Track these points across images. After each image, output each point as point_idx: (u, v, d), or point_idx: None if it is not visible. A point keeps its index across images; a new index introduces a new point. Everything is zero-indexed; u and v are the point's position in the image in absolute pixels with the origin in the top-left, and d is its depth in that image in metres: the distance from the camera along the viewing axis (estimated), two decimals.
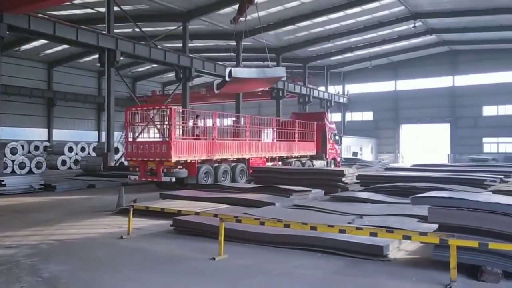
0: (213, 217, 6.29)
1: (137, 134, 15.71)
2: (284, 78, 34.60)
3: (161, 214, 9.06)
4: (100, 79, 42.12)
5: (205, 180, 15.77)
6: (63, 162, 29.53)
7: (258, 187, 12.72)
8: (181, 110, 16.88)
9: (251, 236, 6.64)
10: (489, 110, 39.89)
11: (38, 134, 37.96)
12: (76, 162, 29.47)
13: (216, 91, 23.54)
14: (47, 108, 39.39)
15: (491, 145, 39.96)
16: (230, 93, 28.93)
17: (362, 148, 42.87)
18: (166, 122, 15.02)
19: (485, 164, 27.13)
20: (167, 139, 14.64)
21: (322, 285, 4.82)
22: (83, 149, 31.04)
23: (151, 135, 16.36)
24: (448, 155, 40.49)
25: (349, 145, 40.69)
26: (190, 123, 16.66)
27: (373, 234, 4.98)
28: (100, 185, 17.05)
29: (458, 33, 34.60)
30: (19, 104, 36.29)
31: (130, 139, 15.63)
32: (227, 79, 22.20)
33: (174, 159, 14.49)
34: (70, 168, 29.25)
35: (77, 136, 37.90)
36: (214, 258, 5.75)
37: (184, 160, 15.11)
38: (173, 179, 14.72)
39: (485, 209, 4.90)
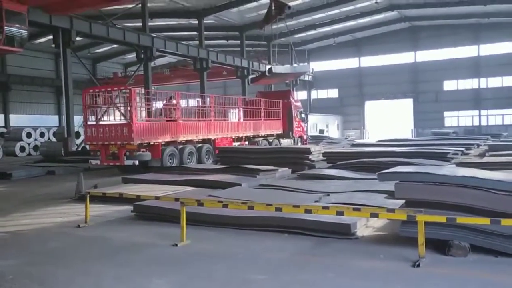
0: (174, 201, 5.98)
1: (96, 117, 15.06)
2: (309, 72, 37.20)
3: (123, 199, 8.70)
4: (57, 61, 40.29)
5: (170, 163, 15.36)
6: (22, 149, 28.32)
7: (224, 167, 12.48)
8: (142, 91, 16.32)
9: (215, 219, 6.40)
10: (449, 85, 40.88)
11: None
12: (36, 148, 28.32)
13: (250, 84, 28.68)
14: (2, 93, 37.51)
15: (451, 119, 41.11)
16: (260, 84, 31.26)
17: (329, 125, 43.20)
18: (125, 104, 14.42)
19: (447, 137, 27.83)
20: (128, 122, 14.09)
21: (287, 267, 4.64)
22: (42, 135, 29.86)
23: (112, 117, 15.73)
24: (412, 129, 41.40)
25: (316, 123, 40.89)
26: (156, 105, 16.14)
27: (340, 213, 4.83)
28: (60, 171, 16.35)
29: (418, 8, 34.98)
30: None
31: (90, 123, 14.98)
32: (267, 74, 27.38)
33: (136, 142, 13.99)
34: (29, 154, 28.10)
35: (37, 121, 36.35)
36: (176, 245, 5.48)
37: (147, 143, 14.63)
38: (136, 163, 14.23)
39: (452, 183, 4.82)
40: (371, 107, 45.43)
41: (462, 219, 4.41)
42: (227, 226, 6.33)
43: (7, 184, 13.35)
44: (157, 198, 6.34)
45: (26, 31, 15.43)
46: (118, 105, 14.74)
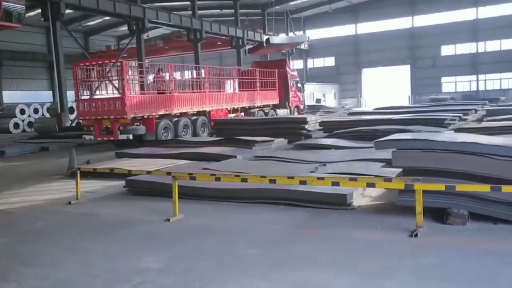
0: (166, 175, 5.82)
1: (90, 91, 14.77)
2: (305, 46, 36.67)
3: (116, 174, 8.56)
4: (48, 35, 39.32)
5: (164, 136, 15.17)
6: (16, 125, 28.02)
7: (219, 140, 12.31)
8: (135, 64, 15.99)
9: (208, 192, 6.25)
10: (447, 50, 40.36)
11: None
12: (30, 124, 27.98)
13: (247, 54, 28.51)
14: None
15: (449, 85, 40.77)
16: (258, 54, 31.34)
17: (325, 95, 42.87)
18: (118, 77, 14.11)
19: (444, 103, 27.65)
20: (121, 95, 13.82)
21: (282, 240, 4.52)
22: (36, 111, 29.51)
23: (105, 92, 15.44)
24: (409, 96, 41.11)
25: (312, 92, 40.56)
26: (150, 77, 15.84)
27: (335, 184, 4.67)
28: (54, 148, 16.17)
29: None
30: None
31: (82, 97, 14.69)
32: (264, 45, 27.75)
33: (129, 115, 13.75)
34: (24, 131, 27.82)
35: (31, 97, 35.79)
36: (168, 220, 5.34)
37: (141, 116, 14.39)
38: (130, 137, 14.04)
39: (451, 149, 4.65)
40: (368, 74, 44.98)
41: (462, 187, 4.26)
42: (221, 200, 6.20)
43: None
44: (148, 172, 6.18)
45: (23, 6, 15.28)
46: (110, 78, 14.42)
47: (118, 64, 14.04)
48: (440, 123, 13.90)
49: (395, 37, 41.32)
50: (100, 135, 14.43)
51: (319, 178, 4.82)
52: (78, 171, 6.71)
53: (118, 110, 13.74)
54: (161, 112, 15.14)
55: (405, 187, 4.30)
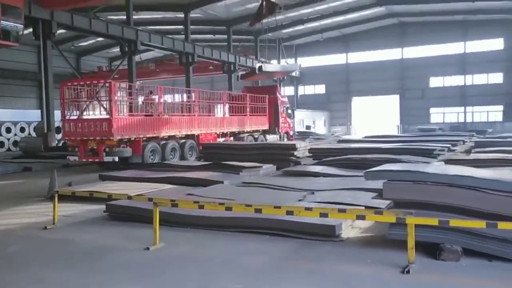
0: (147, 201, 5.57)
1: (78, 111, 14.53)
2: (296, 74, 37.16)
3: (98, 198, 8.27)
4: (40, 54, 39.25)
5: (151, 159, 14.89)
6: (1, 144, 27.54)
7: (206, 164, 12.08)
8: (124, 85, 15.83)
9: (192, 220, 6.00)
10: (435, 82, 40.96)
11: None
12: (15, 143, 27.50)
13: (239, 80, 29.56)
14: None
15: (437, 115, 41.22)
16: (250, 80, 31.48)
17: (315, 121, 42.99)
18: (105, 98, 13.90)
19: (433, 133, 27.82)
20: (108, 116, 13.59)
21: (266, 273, 4.28)
22: (22, 129, 29.09)
23: (92, 112, 15.20)
24: (398, 126, 41.40)
25: (302, 119, 40.65)
26: (140, 99, 15.67)
27: (324, 215, 4.47)
28: (38, 168, 15.79)
29: (406, 4, 34.85)
30: None
31: (68, 117, 14.43)
32: (257, 72, 28.44)
33: (116, 137, 13.49)
34: (9, 150, 27.32)
35: (20, 116, 35.22)
36: (148, 248, 5.07)
37: (127, 138, 14.14)
38: (116, 159, 13.75)
39: (443, 182, 4.49)
40: (358, 103, 45.34)
41: (456, 222, 4.07)
42: (205, 228, 5.94)
43: None
44: (129, 197, 5.91)
45: (22, 26, 15.27)
46: (98, 99, 14.20)
47: (107, 84, 13.85)
48: (429, 154, 13.86)
49: (385, 68, 41.90)
50: (85, 156, 14.11)
51: (307, 209, 4.62)
52: (56, 195, 6.42)
53: (104, 131, 13.48)
54: (149, 135, 14.91)
55: (397, 221, 4.12)
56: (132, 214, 6.50)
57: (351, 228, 5.71)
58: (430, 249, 4.58)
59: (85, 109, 14.57)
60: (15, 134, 28.41)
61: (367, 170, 5.13)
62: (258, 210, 4.69)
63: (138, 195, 7.88)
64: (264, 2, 24.99)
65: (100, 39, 36.72)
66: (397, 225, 4.45)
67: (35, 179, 12.87)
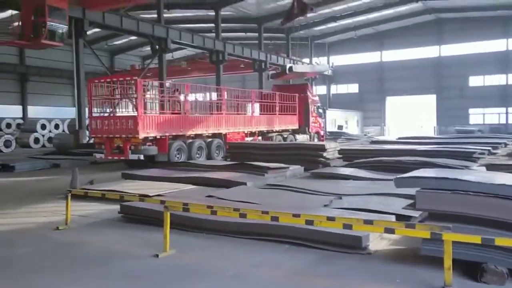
0: (160, 203, 5.24)
1: (102, 108, 14.50)
2: (328, 73, 36.58)
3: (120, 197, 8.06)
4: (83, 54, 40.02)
5: (177, 158, 14.68)
6: (36, 140, 28.17)
7: (231, 164, 11.72)
8: (152, 83, 15.73)
9: (208, 224, 5.62)
10: (475, 81, 39.24)
11: (13, 111, 36.17)
12: (50, 140, 28.07)
13: (269, 79, 29.20)
14: (21, 84, 37.52)
15: (477, 116, 39.48)
16: (280, 80, 30.99)
17: (348, 121, 42.08)
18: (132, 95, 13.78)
19: (472, 135, 26.53)
20: (134, 114, 13.46)
21: None
22: (57, 126, 29.72)
23: (122, 109, 15.14)
24: (434, 127, 39.94)
25: (334, 118, 39.86)
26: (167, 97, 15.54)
27: (347, 226, 3.98)
28: (66, 165, 15.84)
29: None
30: None
31: (95, 114, 14.40)
32: (287, 72, 27.69)
33: (141, 135, 13.33)
34: (44, 146, 27.92)
35: (54, 113, 36.14)
36: (157, 255, 4.71)
37: (153, 136, 13.97)
38: (141, 157, 13.59)
39: (488, 192, 3.92)
40: (392, 103, 44.03)
41: (502, 241, 3.50)
42: (220, 233, 5.55)
43: (7, 177, 12.86)
44: (141, 199, 5.60)
45: (66, 26, 15.85)
46: (125, 96, 14.11)
47: (132, 81, 13.71)
48: (468, 157, 12.99)
49: (421, 66, 40.50)
50: (111, 154, 14.04)
51: (329, 219, 4.14)
52: (69, 194, 6.18)
53: (130, 129, 13.34)
54: (175, 133, 14.70)
55: (431, 236, 3.58)
56: (146, 216, 6.19)
57: (380, 239, 5.19)
58: (470, 268, 4.02)
59: (113, 106, 14.53)
60: (50, 131, 29.03)
61: (397, 177, 4.60)
62: (274, 218, 4.26)
63: (156, 195, 7.62)
64: (295, 2, 24.57)
65: (133, 38, 37.16)
66: (432, 240, 3.92)
67: (61, 176, 12.85)
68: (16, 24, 31.40)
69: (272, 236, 5.23)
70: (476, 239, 3.44)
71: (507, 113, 38.17)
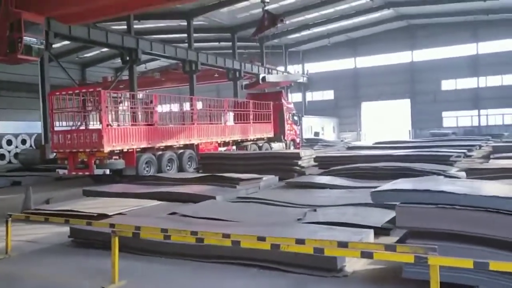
0: (109, 227, 4.60)
1: (64, 122, 13.74)
2: (300, 80, 39.43)
3: (76, 217, 7.36)
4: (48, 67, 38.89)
5: (146, 171, 13.98)
6: (1, 157, 26.97)
7: (201, 176, 11.13)
8: (123, 95, 15.13)
9: (165, 248, 5.00)
10: (447, 84, 39.71)
11: None
12: (16, 155, 26.91)
13: (243, 89, 29.29)
14: None
15: (450, 119, 39.89)
16: (254, 90, 30.15)
17: (324, 128, 41.94)
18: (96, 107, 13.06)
19: (446, 138, 26.57)
20: (98, 127, 12.74)
21: None
22: (24, 142, 28.57)
23: (85, 122, 14.42)
24: (409, 130, 40.16)
25: (311, 125, 39.65)
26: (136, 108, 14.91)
27: (319, 251, 3.45)
28: (28, 182, 14.88)
29: (415, 6, 33.81)
30: None
31: (57, 129, 13.61)
32: (260, 82, 27.67)
33: (107, 148, 12.60)
34: (10, 162, 26.72)
35: (24, 128, 34.82)
36: None
37: (120, 150, 13.25)
38: (107, 171, 12.86)
39: (477, 206, 3.46)
40: (367, 108, 44.15)
41: (498, 265, 3.01)
42: (179, 257, 4.95)
43: None
44: (88, 222, 4.96)
45: (43, 41, 15.45)
46: (88, 108, 13.39)
47: (95, 93, 13.01)
48: (445, 160, 12.73)
49: (394, 71, 40.77)
50: (75, 169, 13.25)
51: (298, 242, 3.59)
52: (10, 219, 5.49)
53: (94, 143, 12.60)
54: (143, 145, 14.01)
55: (416, 261, 3.08)
56: (97, 240, 5.53)
57: (358, 258, 4.67)
58: None
59: (80, 119, 13.80)
60: (16, 146, 27.87)
61: (374, 190, 4.11)
62: (235, 243, 3.70)
63: (117, 213, 6.99)
64: (265, 14, 24.35)
65: (104, 49, 36.27)
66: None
67: (21, 194, 11.93)
68: None
69: (237, 259, 4.66)
70: (467, 263, 2.94)
71: (479, 115, 38.66)
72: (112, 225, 4.47)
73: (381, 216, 6.11)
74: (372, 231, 5.38)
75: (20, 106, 38.40)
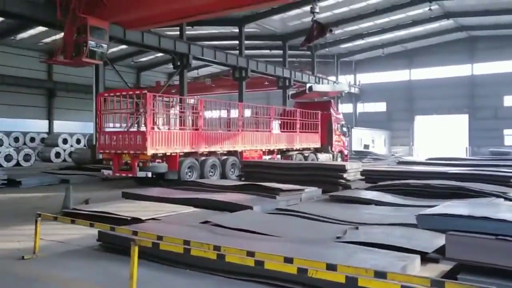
0: (132, 234, 4.37)
1: (113, 123, 13.96)
2: (351, 91, 39.45)
3: (111, 219, 7.29)
4: (103, 69, 40.45)
5: (189, 176, 13.90)
6: (57, 155, 28.14)
7: (241, 185, 10.82)
8: (175, 99, 15.31)
9: (191, 259, 4.70)
10: (510, 100, 37.27)
11: (40, 125, 36.59)
12: (71, 154, 27.99)
13: (289, 99, 29.69)
14: (48, 99, 38.12)
15: None
16: (300, 100, 29.55)
17: (374, 141, 40.64)
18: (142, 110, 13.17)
19: (507, 157, 24.80)
20: (142, 129, 12.81)
21: None
22: (78, 141, 29.80)
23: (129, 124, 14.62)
24: (466, 148, 38.05)
25: (361, 137, 38.56)
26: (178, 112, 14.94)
27: (351, 281, 2.99)
28: (76, 180, 15.29)
29: (477, 16, 32.08)
30: (19, 94, 34.95)
31: (104, 130, 13.84)
32: (307, 92, 27.92)
33: (150, 151, 12.63)
34: (64, 160, 27.82)
35: (80, 128, 36.38)
36: None
37: (163, 153, 13.25)
38: (149, 174, 12.87)
39: None
40: (421, 122, 42.35)
41: None
42: (205, 271, 4.63)
43: (10, 193, 12.32)
44: (112, 228, 4.76)
45: (106, 45, 16.52)
46: (134, 111, 13.52)
47: (142, 95, 13.11)
48: (505, 181, 11.69)
49: (452, 85, 38.86)
50: (119, 170, 13.38)
51: (329, 267, 3.17)
52: (39, 218, 5.41)
53: (138, 145, 12.68)
54: (186, 150, 13.95)
55: None
56: (123, 246, 5.34)
57: None
58: None
59: (127, 121, 14.00)
60: (71, 145, 29.03)
61: (420, 213, 3.61)
62: (259, 263, 3.33)
63: (150, 219, 6.82)
64: (314, 24, 24.03)
65: (158, 54, 37.19)
66: None
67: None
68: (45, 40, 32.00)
69: (265, 278, 4.27)
70: None
71: None
72: (135, 233, 4.23)
73: (431, 240, 5.50)
74: (418, 257, 4.82)
75: (77, 107, 40.10)
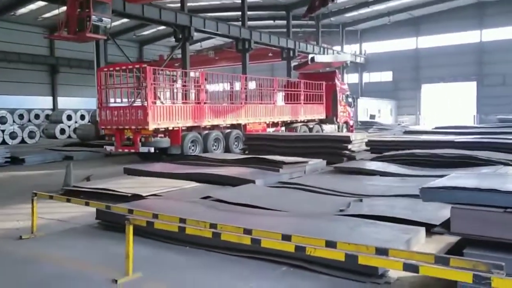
0: (127, 212, 4.26)
1: (113, 97, 13.77)
2: (349, 61, 34.86)
3: (111, 196, 7.22)
4: (105, 43, 40.01)
5: (192, 150, 13.79)
6: (62, 131, 28.14)
7: (244, 158, 10.70)
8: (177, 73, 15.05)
9: (189, 236, 4.60)
10: None
11: (44, 102, 36.48)
12: (75, 130, 27.97)
13: (293, 70, 28.31)
14: (51, 75, 37.86)
15: None
16: (303, 71, 28.88)
17: (381, 111, 40.23)
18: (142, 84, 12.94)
19: None
20: (143, 104, 12.63)
21: None
22: (82, 117, 29.73)
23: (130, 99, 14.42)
24: (474, 115, 37.57)
25: (366, 108, 38.17)
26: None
27: (351, 258, 2.87)
28: (79, 157, 15.26)
29: None
30: (22, 71, 34.73)
31: (105, 105, 13.67)
32: (309, 63, 26.56)
33: (151, 126, 12.49)
34: (69, 137, 27.85)
35: (84, 104, 36.24)
36: (116, 281, 3.75)
37: (165, 128, 13.11)
38: (152, 150, 12.78)
39: None
40: (428, 91, 41.75)
41: None
42: (203, 248, 4.54)
43: (12, 171, 12.29)
44: (107, 206, 4.65)
45: (110, 20, 16.30)
46: (134, 85, 13.30)
47: (141, 69, 12.86)
48: None
49: (460, 52, 38.06)
50: (121, 146, 13.29)
51: (328, 244, 3.04)
52: (35, 197, 5.32)
53: (139, 120, 12.53)
54: (189, 124, 13.79)
55: (475, 280, 2.43)
56: (120, 224, 5.24)
57: None
58: None
59: (126, 96, 13.80)
60: (76, 122, 28.96)
61: (424, 186, 3.43)
62: (255, 241, 3.20)
63: (151, 195, 6.74)
64: None
65: (160, 28, 36.59)
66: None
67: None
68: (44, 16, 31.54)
69: (265, 255, 4.16)
70: None
71: None
72: (130, 211, 4.12)
73: (437, 211, 5.35)
74: (423, 229, 4.70)
75: (80, 83, 39.82)
